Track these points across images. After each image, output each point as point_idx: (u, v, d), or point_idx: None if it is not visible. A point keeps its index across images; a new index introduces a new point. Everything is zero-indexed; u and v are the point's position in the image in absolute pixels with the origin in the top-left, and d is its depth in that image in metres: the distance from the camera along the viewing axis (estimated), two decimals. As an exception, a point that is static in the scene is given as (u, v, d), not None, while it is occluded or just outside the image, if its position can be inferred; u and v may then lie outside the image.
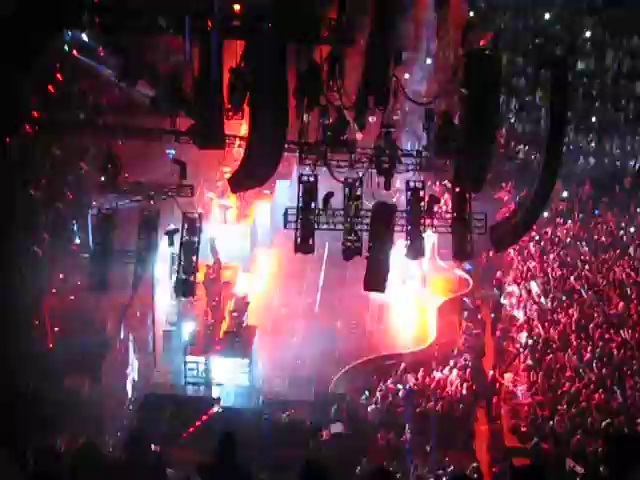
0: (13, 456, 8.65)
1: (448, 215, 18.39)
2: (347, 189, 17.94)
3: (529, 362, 23.19)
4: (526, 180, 22.05)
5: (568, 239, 29.32)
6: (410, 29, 28.50)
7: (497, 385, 23.02)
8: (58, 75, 19.54)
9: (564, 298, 25.78)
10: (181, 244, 19.12)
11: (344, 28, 16.06)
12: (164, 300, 23.89)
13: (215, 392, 22.96)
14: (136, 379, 22.48)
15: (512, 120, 34.08)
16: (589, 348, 23.36)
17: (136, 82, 16.73)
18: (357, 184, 17.86)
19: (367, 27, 15.95)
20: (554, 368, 22.82)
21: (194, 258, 19.15)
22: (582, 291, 26.09)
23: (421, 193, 17.96)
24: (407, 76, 26.64)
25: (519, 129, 34.05)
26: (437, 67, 31.29)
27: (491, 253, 26.91)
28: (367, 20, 16.01)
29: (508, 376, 23.07)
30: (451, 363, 23.69)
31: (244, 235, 27.90)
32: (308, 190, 17.79)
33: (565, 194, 31.43)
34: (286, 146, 16.74)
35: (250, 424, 20.36)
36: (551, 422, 21.11)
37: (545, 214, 27.27)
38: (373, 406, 22.28)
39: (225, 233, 26.84)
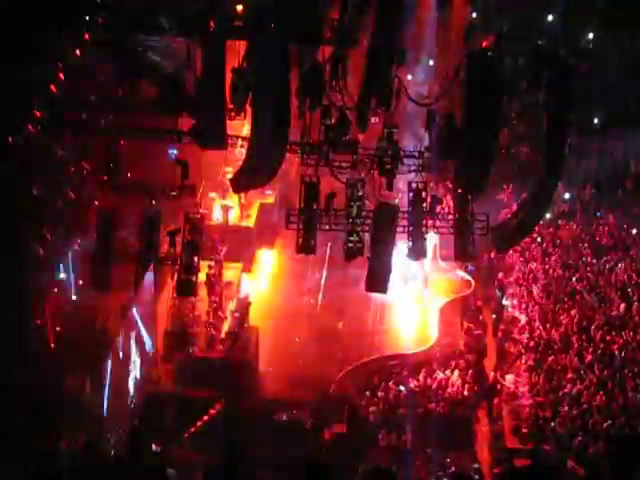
0: (13, 456, 8.66)
1: (450, 216, 18.40)
2: (349, 190, 17.94)
3: (530, 363, 23.17)
4: (528, 181, 22.01)
5: (570, 240, 29.29)
6: (412, 30, 28.45)
7: (498, 386, 22.97)
8: (60, 75, 19.53)
9: (566, 299, 25.75)
10: (183, 244, 19.14)
11: (346, 29, 16.08)
12: (166, 300, 23.87)
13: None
14: (137, 378, 22.46)
15: (514, 121, 34.01)
16: (590, 349, 23.32)
17: (138, 82, 16.75)
18: (359, 185, 17.86)
19: (369, 28, 15.96)
20: (555, 369, 22.77)
21: (196, 258, 19.17)
22: (584, 292, 26.05)
23: (423, 194, 17.96)
24: (410, 77, 26.62)
25: (521, 130, 33.98)
26: (439, 68, 31.23)
27: (493, 254, 26.88)
28: (369, 21, 16.01)
29: (509, 377, 23.03)
30: (452, 364, 23.66)
31: (246, 235, 27.90)
32: (310, 191, 17.80)
33: (567, 195, 31.41)
34: (288, 147, 16.75)
35: (251, 424, 20.35)
36: (552, 423, 21.05)
37: (547, 215, 27.25)
38: (374, 407, 22.28)
39: (227, 233, 26.83)
